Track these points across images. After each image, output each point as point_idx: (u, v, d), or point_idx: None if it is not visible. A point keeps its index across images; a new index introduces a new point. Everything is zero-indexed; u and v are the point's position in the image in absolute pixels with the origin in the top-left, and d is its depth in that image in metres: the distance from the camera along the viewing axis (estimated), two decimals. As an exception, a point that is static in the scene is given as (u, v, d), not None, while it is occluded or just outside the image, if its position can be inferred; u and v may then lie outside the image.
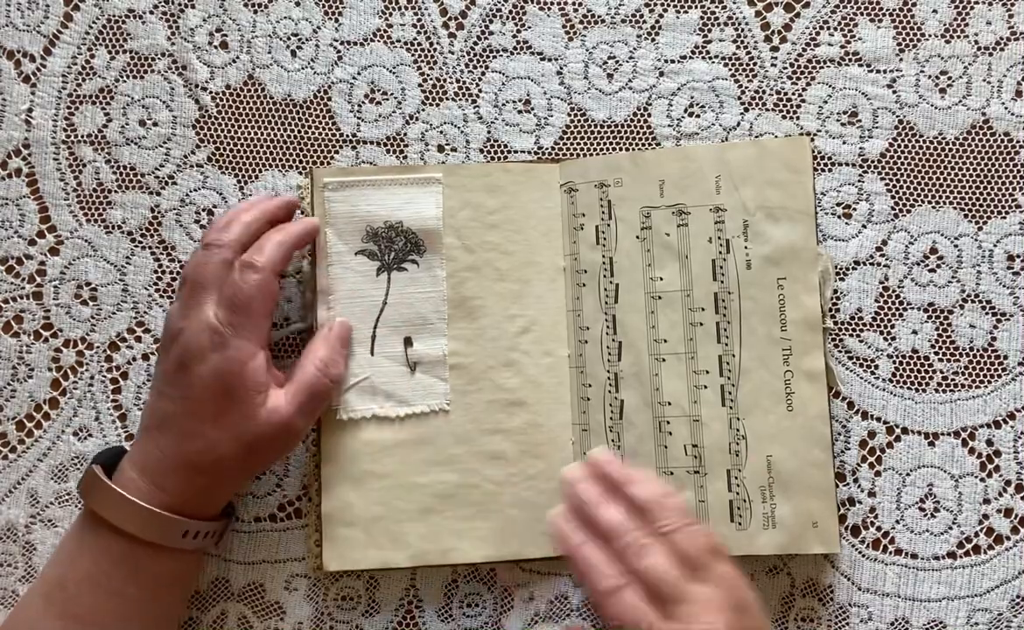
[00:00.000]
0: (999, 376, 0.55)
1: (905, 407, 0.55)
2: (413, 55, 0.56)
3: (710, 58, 0.56)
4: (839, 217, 0.55)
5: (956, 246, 0.55)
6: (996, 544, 0.54)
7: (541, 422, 0.54)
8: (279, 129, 0.56)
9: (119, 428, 0.55)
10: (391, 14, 0.56)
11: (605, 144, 0.56)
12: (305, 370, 0.50)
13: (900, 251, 0.55)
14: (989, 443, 0.55)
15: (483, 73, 0.56)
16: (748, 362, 0.53)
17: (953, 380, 0.55)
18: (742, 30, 0.56)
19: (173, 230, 0.56)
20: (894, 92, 0.56)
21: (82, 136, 0.56)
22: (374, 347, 0.54)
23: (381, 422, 0.54)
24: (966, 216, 0.55)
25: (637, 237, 0.54)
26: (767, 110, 0.56)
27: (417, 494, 0.53)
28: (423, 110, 0.56)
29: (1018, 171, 0.55)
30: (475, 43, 0.56)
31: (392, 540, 0.53)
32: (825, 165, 0.56)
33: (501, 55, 0.56)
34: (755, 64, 0.56)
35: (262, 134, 0.56)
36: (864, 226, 0.55)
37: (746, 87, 0.56)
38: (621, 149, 0.56)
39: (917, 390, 0.55)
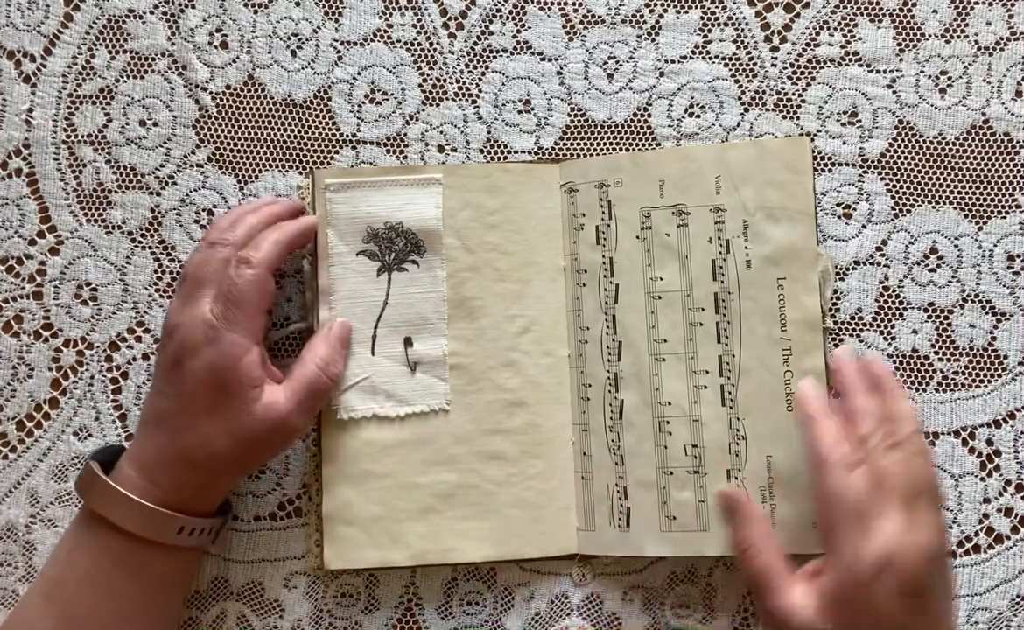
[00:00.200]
0: (999, 376, 0.55)
1: (905, 407, 0.55)
2: (413, 55, 0.56)
3: (710, 58, 0.56)
4: (839, 217, 0.55)
5: (956, 246, 0.55)
6: (996, 543, 0.54)
7: (541, 422, 0.54)
8: (279, 129, 0.56)
9: (119, 428, 0.55)
10: (391, 14, 0.56)
11: (605, 144, 0.56)
12: (305, 367, 0.50)
13: (900, 251, 0.55)
14: (989, 443, 0.55)
15: (483, 73, 0.56)
16: (748, 362, 0.53)
17: (953, 380, 0.55)
18: (742, 30, 0.56)
19: (173, 230, 0.56)
20: (894, 92, 0.56)
21: (82, 136, 0.56)
22: (374, 347, 0.54)
23: (381, 422, 0.54)
24: (966, 216, 0.55)
25: (637, 237, 0.54)
26: (767, 110, 0.56)
27: (417, 494, 0.53)
28: (423, 110, 0.56)
29: (1018, 171, 0.55)
30: (475, 43, 0.56)
31: (392, 540, 0.53)
32: (825, 165, 0.56)
33: (501, 55, 0.56)
34: (755, 64, 0.56)
35: (262, 134, 0.56)
36: (864, 226, 0.55)
37: (746, 87, 0.56)
38: (621, 149, 0.56)
39: (917, 390, 0.55)
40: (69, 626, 0.47)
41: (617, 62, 0.56)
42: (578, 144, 0.56)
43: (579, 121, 0.56)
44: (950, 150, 0.55)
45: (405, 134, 0.56)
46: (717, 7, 0.56)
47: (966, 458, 0.55)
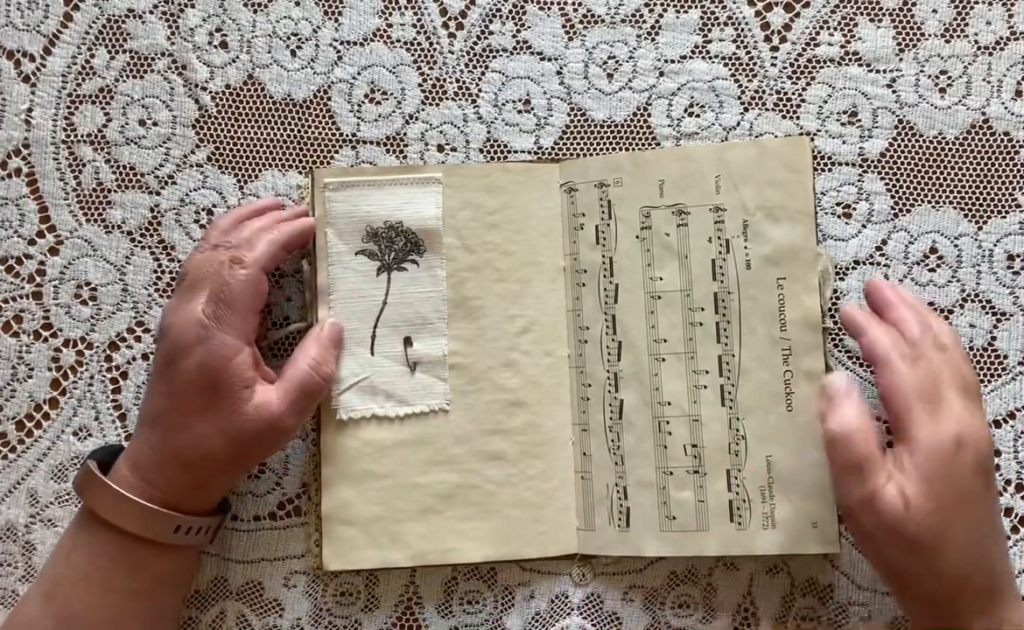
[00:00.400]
0: (999, 376, 0.55)
1: (905, 407, 0.55)
2: (413, 55, 0.56)
3: (710, 58, 0.56)
4: (839, 217, 0.55)
5: (956, 246, 0.55)
6: (996, 544, 0.54)
7: (541, 422, 0.54)
8: (279, 129, 0.56)
9: (119, 428, 0.55)
10: (391, 14, 0.56)
11: (605, 144, 0.56)
12: (297, 368, 0.50)
13: (900, 251, 0.55)
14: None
15: (483, 73, 0.56)
16: (748, 362, 0.53)
17: (953, 380, 0.55)
18: (742, 30, 0.56)
19: (173, 230, 0.56)
20: (894, 92, 0.56)
21: (82, 136, 0.56)
22: (374, 347, 0.54)
23: (381, 422, 0.54)
24: (966, 216, 0.55)
25: (637, 237, 0.54)
26: (767, 110, 0.56)
27: (417, 494, 0.53)
28: (423, 110, 0.56)
29: (1018, 171, 0.55)
30: (475, 43, 0.56)
31: (392, 540, 0.53)
32: (825, 165, 0.56)
33: (501, 55, 0.56)
34: (755, 64, 0.56)
35: (262, 134, 0.56)
36: (864, 226, 0.55)
37: (746, 87, 0.56)
38: (621, 149, 0.56)
39: (917, 390, 0.55)
40: (68, 626, 0.47)
41: (617, 62, 0.56)
42: (578, 144, 0.56)
43: (579, 121, 0.56)
44: (950, 150, 0.55)
45: (405, 134, 0.56)
46: (717, 7, 0.56)
47: (966, 458, 0.54)
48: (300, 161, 0.56)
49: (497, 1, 0.56)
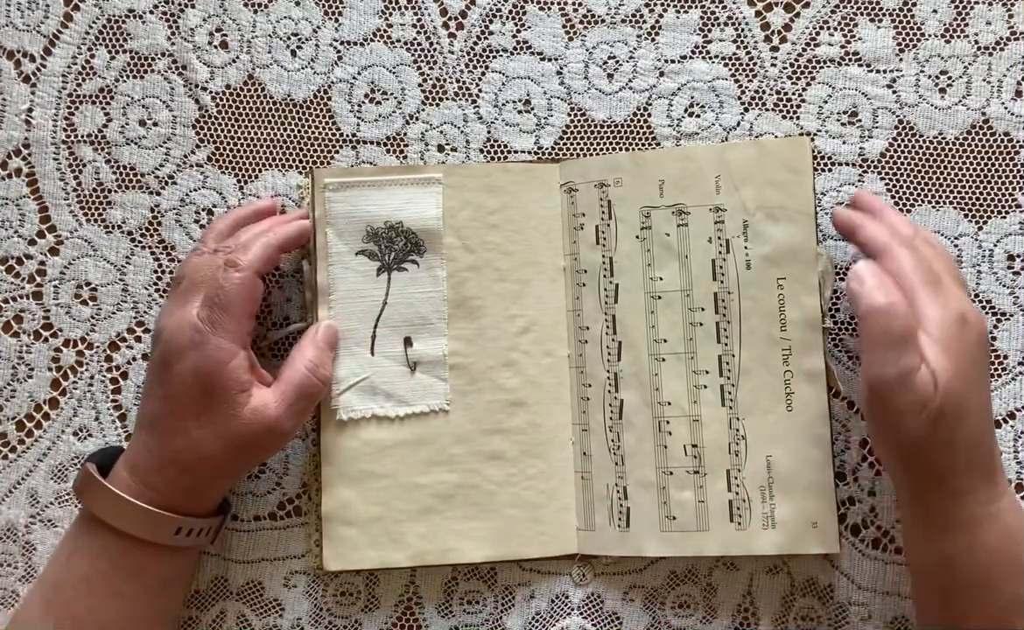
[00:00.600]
0: (999, 376, 0.55)
1: (905, 407, 0.55)
2: (413, 55, 0.56)
3: (710, 58, 0.56)
4: (839, 217, 0.55)
5: (956, 246, 0.55)
6: (996, 544, 0.54)
7: (541, 422, 0.54)
8: (279, 129, 0.56)
9: (119, 428, 0.55)
10: (391, 14, 0.56)
11: (605, 144, 0.56)
12: (295, 370, 0.50)
13: (900, 251, 0.55)
14: (989, 443, 0.55)
15: (483, 73, 0.56)
16: (748, 362, 0.53)
17: (953, 380, 0.55)
18: (742, 30, 0.56)
19: (173, 230, 0.56)
20: (894, 92, 0.56)
21: (82, 136, 0.56)
22: (374, 347, 0.54)
23: (381, 422, 0.54)
24: (966, 216, 0.55)
25: (637, 237, 0.54)
26: (767, 110, 0.56)
27: (417, 494, 0.53)
28: (423, 110, 0.56)
29: (1018, 171, 0.55)
30: (475, 43, 0.56)
31: (392, 540, 0.53)
32: (825, 165, 0.56)
33: (501, 55, 0.56)
34: (755, 64, 0.56)
35: (262, 134, 0.56)
36: (864, 226, 0.55)
37: (746, 87, 0.56)
38: (621, 149, 0.56)
39: (917, 390, 0.55)
40: (69, 628, 0.47)
41: (617, 62, 0.56)
42: (578, 144, 0.56)
43: (579, 121, 0.56)
44: (950, 150, 0.55)
45: (405, 134, 0.56)
46: (717, 7, 0.56)
47: (966, 458, 0.54)
48: (300, 161, 0.56)
49: (497, 1, 0.56)
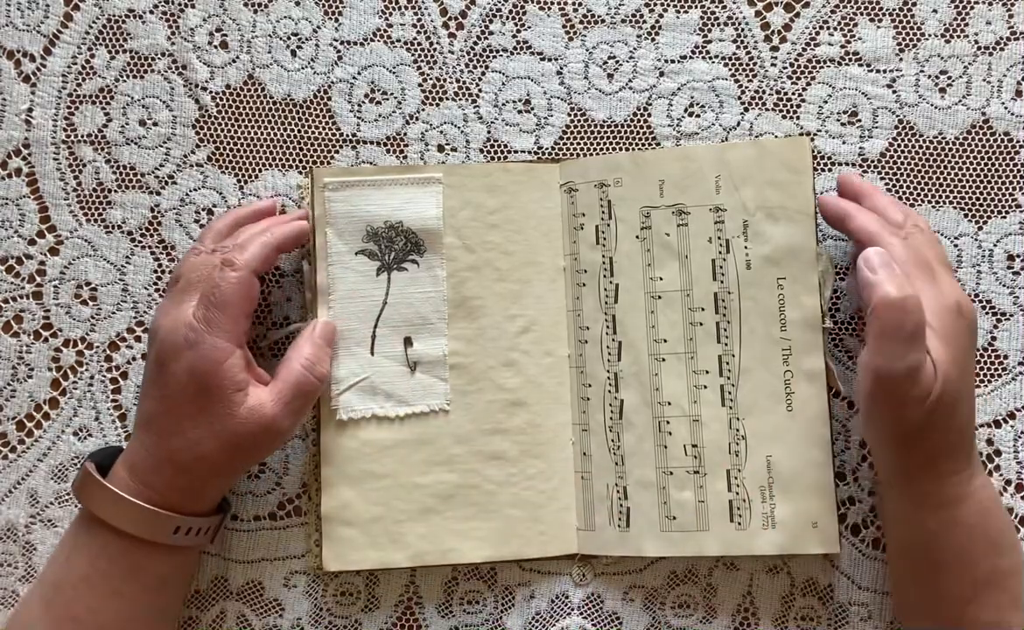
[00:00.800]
0: (999, 376, 0.55)
1: (905, 407, 0.55)
2: (413, 55, 0.56)
3: (710, 58, 0.56)
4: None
5: (956, 246, 0.55)
6: (996, 544, 0.54)
7: (541, 422, 0.54)
8: (279, 129, 0.56)
9: (119, 428, 0.55)
10: (391, 14, 0.56)
11: (605, 144, 0.56)
12: (291, 368, 0.50)
13: (900, 251, 0.55)
14: (989, 442, 0.55)
15: (483, 73, 0.56)
16: (748, 362, 0.53)
17: (953, 380, 0.55)
18: (742, 30, 0.56)
19: (173, 230, 0.56)
20: (894, 92, 0.56)
21: (82, 136, 0.56)
22: (374, 347, 0.54)
23: (381, 422, 0.54)
24: (966, 216, 0.55)
25: (637, 237, 0.54)
26: (767, 110, 0.56)
27: (417, 494, 0.53)
28: (423, 110, 0.56)
29: (1018, 171, 0.55)
30: (475, 43, 0.56)
31: (392, 540, 0.53)
32: (825, 165, 0.56)
33: (501, 55, 0.56)
34: (755, 64, 0.56)
35: (262, 134, 0.56)
36: (864, 226, 0.55)
37: (746, 87, 0.56)
38: (621, 149, 0.56)
39: (917, 390, 0.55)
40: (69, 628, 0.47)
41: (617, 62, 0.56)
42: (578, 144, 0.56)
43: (579, 121, 0.56)
44: (950, 150, 0.55)
45: (405, 134, 0.56)
46: (717, 7, 0.56)
47: (966, 458, 0.54)
48: (300, 161, 0.56)
49: (497, 1, 0.56)
